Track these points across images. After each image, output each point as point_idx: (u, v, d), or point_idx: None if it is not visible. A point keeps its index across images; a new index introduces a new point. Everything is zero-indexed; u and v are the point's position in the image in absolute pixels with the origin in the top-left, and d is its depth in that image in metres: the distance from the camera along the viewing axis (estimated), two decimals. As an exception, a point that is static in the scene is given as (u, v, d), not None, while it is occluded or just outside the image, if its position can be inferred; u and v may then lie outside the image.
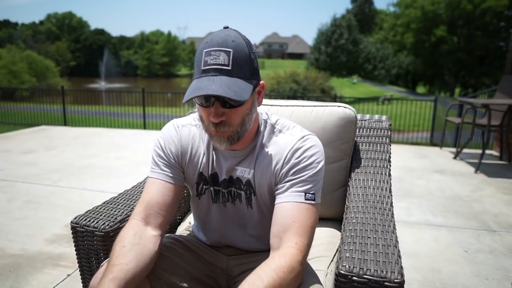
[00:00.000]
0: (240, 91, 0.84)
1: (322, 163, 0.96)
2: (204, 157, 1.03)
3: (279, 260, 0.85)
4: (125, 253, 0.87)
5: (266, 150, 0.99)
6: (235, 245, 1.11)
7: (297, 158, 0.94)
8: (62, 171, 3.95)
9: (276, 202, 0.95)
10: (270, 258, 0.88)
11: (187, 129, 1.04)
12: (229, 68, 0.84)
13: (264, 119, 1.02)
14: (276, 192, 0.96)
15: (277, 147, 0.98)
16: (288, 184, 0.94)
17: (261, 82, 0.94)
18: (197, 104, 0.91)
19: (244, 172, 1.00)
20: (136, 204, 1.27)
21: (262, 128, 1.01)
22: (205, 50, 0.86)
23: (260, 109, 1.03)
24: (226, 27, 0.90)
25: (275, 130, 1.01)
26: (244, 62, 0.86)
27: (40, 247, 2.29)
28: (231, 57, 0.84)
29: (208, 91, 0.81)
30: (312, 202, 0.92)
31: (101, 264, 0.95)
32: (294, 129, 1.01)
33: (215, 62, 0.84)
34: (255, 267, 1.01)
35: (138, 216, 0.96)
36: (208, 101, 0.87)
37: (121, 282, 0.81)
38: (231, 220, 1.07)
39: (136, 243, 0.89)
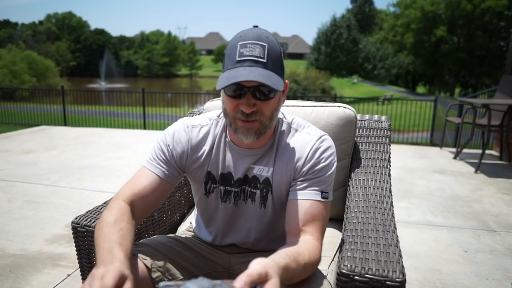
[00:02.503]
0: (276, 82, 0.86)
1: (335, 164, 1.01)
2: (213, 156, 1.03)
3: (314, 255, 0.89)
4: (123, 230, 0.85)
5: (285, 148, 1.01)
6: (238, 244, 1.11)
7: (317, 158, 0.98)
8: (62, 171, 3.95)
9: (292, 197, 0.98)
10: (306, 243, 0.90)
11: (196, 130, 1.04)
12: (265, 60, 0.87)
13: (280, 118, 1.05)
14: (293, 187, 0.99)
15: (297, 145, 1.01)
16: (307, 182, 0.97)
17: (285, 81, 0.96)
18: (225, 96, 0.92)
19: (262, 171, 1.01)
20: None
21: (279, 127, 1.03)
22: (240, 43, 0.87)
23: None
24: (256, 26, 0.93)
25: (291, 128, 1.04)
26: (277, 58, 0.90)
27: (40, 247, 2.29)
28: (266, 51, 0.87)
29: (249, 77, 0.83)
30: (326, 200, 0.97)
31: None
32: (309, 128, 1.04)
33: (251, 54, 0.86)
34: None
35: (124, 199, 0.94)
36: (241, 91, 0.88)
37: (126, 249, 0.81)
38: (238, 220, 1.07)
39: (129, 223, 0.89)
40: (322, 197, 0.96)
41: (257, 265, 0.65)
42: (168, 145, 1.02)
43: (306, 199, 0.95)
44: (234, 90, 0.88)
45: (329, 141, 1.01)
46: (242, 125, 0.91)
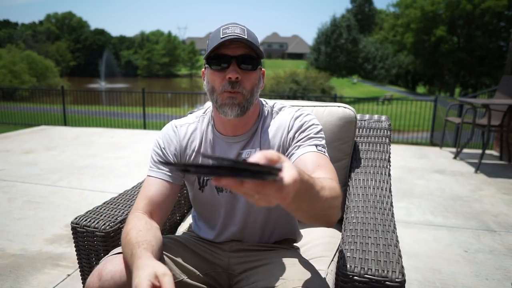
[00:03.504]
0: (258, 51, 0.97)
1: (320, 126, 1.06)
2: (203, 150, 1.08)
3: (332, 184, 0.83)
4: (145, 234, 0.90)
5: (270, 128, 1.07)
6: (238, 237, 1.11)
7: (299, 122, 1.04)
8: (62, 171, 3.95)
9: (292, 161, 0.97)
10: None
11: (184, 128, 1.11)
12: (246, 37, 0.95)
13: (262, 104, 1.12)
14: (288, 156, 1.02)
15: (278, 123, 1.07)
16: (297, 143, 1.01)
17: (263, 69, 1.05)
18: (210, 72, 0.99)
19: (250, 153, 1.06)
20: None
21: (261, 112, 1.10)
22: (222, 27, 0.98)
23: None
24: None
25: (273, 111, 1.11)
26: (255, 40, 0.99)
27: (40, 247, 2.29)
28: (246, 31, 0.97)
29: (236, 36, 0.93)
30: (324, 154, 0.99)
31: (100, 261, 0.95)
32: (290, 108, 1.12)
33: (233, 32, 0.95)
34: (256, 266, 1.02)
35: (141, 210, 1.00)
36: (226, 61, 0.96)
37: (153, 250, 0.86)
38: (236, 208, 1.09)
39: (149, 229, 0.94)
40: (318, 150, 0.98)
41: (270, 151, 0.62)
42: (163, 148, 1.08)
43: (304, 153, 0.98)
44: (221, 63, 0.96)
45: (308, 111, 1.09)
46: (228, 95, 0.97)
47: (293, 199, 0.67)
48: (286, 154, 1.03)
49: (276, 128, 1.06)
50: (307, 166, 0.94)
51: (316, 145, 0.99)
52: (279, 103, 1.14)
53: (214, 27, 1.04)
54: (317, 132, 1.03)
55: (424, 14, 28.15)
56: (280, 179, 0.56)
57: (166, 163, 0.56)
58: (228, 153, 1.06)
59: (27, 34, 53.42)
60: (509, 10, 26.16)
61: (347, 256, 0.90)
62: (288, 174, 0.57)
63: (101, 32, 61.65)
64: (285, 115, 1.08)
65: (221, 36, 0.95)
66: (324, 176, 0.90)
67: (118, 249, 0.97)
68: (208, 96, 1.03)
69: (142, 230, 0.91)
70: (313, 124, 1.04)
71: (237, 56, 0.96)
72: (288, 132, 1.04)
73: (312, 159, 0.95)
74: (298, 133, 1.02)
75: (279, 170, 0.55)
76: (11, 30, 56.06)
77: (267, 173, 0.52)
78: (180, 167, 0.54)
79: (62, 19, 61.73)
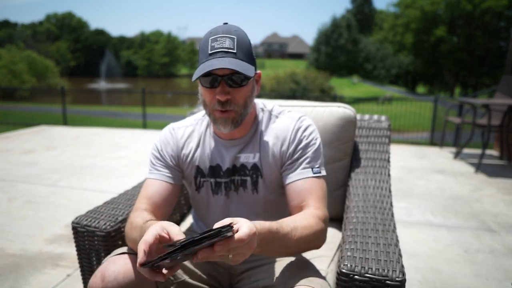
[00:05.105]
0: (247, 69, 0.93)
1: (319, 139, 1.08)
2: (200, 151, 1.08)
3: (309, 218, 0.92)
4: (147, 219, 0.95)
5: (269, 133, 1.07)
6: None
7: (300, 137, 1.05)
8: (62, 171, 3.95)
9: (287, 182, 1.02)
10: (301, 212, 0.97)
11: (181, 131, 1.12)
12: (234, 51, 0.92)
13: (260, 108, 1.11)
14: (285, 172, 1.04)
15: (279, 129, 1.07)
16: (296, 163, 1.03)
17: (258, 71, 1.02)
18: (202, 88, 0.97)
19: (248, 158, 1.06)
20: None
21: (260, 115, 1.09)
22: (211, 38, 0.93)
23: (256, 100, 1.11)
24: (225, 23, 0.97)
25: (272, 115, 1.11)
26: (246, 49, 0.95)
27: (40, 247, 2.29)
28: (235, 43, 0.93)
29: (220, 65, 0.89)
30: (319, 175, 1.02)
31: (102, 262, 0.95)
32: (289, 113, 1.11)
33: (221, 46, 0.92)
34: (257, 265, 1.03)
35: (142, 208, 1.01)
36: (215, 81, 0.93)
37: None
38: (232, 210, 1.09)
39: (151, 217, 0.97)
40: (314, 173, 1.02)
41: (222, 221, 0.72)
42: (160, 150, 1.09)
43: (299, 179, 1.00)
44: (210, 82, 0.94)
45: (308, 120, 1.09)
46: (220, 116, 0.97)
47: (262, 248, 0.78)
48: (282, 166, 1.05)
49: (276, 135, 1.06)
50: (299, 192, 0.99)
51: (313, 168, 1.02)
52: (277, 106, 1.14)
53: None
54: (316, 150, 1.04)
55: (424, 14, 28.12)
56: (237, 231, 0.68)
57: (142, 264, 0.73)
58: (226, 156, 1.06)
59: (27, 34, 53.39)
60: (509, 10, 26.14)
61: (348, 256, 0.90)
62: (244, 226, 0.69)
63: (101, 32, 61.61)
64: (286, 123, 1.07)
65: (209, 52, 0.92)
66: (312, 204, 0.97)
67: (121, 250, 0.97)
68: (203, 107, 1.02)
69: (145, 217, 0.95)
70: (313, 139, 1.05)
71: (226, 75, 0.92)
72: (289, 145, 1.04)
73: (304, 187, 1.00)
74: (298, 150, 1.03)
75: (230, 226, 0.66)
76: (11, 30, 56.02)
77: (219, 232, 0.64)
78: (152, 263, 0.69)
79: (62, 19, 61.64)
